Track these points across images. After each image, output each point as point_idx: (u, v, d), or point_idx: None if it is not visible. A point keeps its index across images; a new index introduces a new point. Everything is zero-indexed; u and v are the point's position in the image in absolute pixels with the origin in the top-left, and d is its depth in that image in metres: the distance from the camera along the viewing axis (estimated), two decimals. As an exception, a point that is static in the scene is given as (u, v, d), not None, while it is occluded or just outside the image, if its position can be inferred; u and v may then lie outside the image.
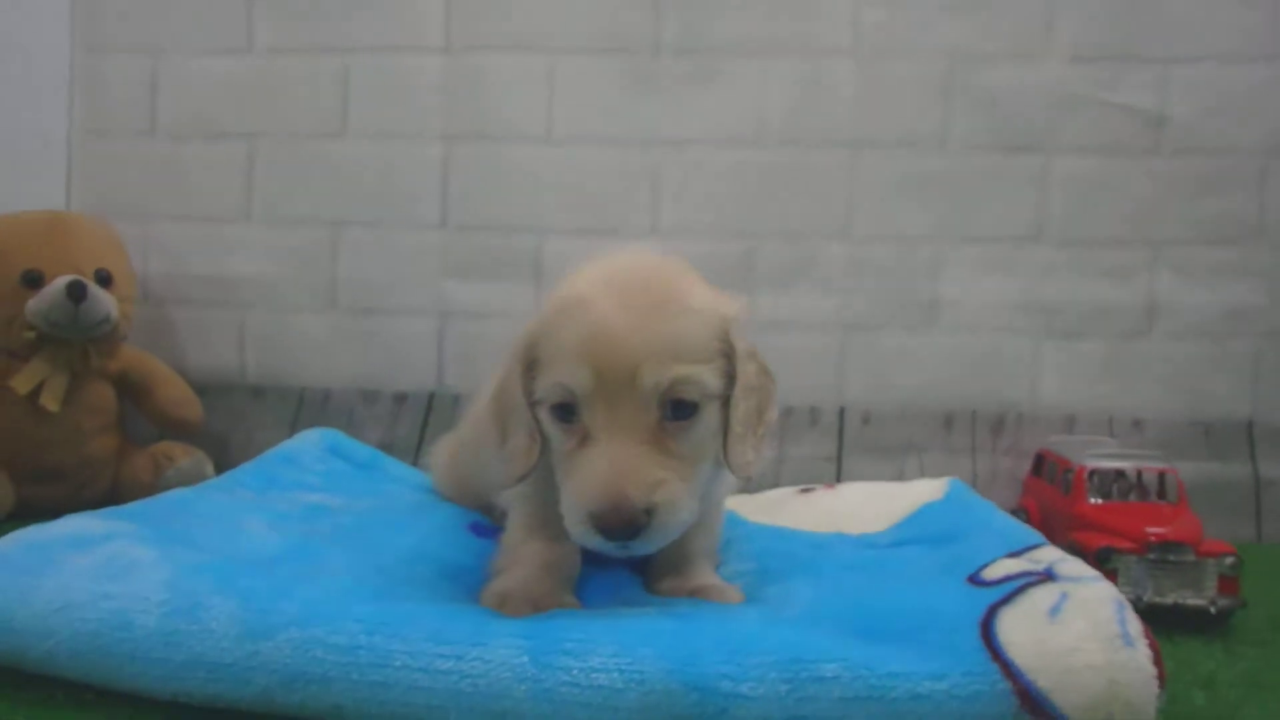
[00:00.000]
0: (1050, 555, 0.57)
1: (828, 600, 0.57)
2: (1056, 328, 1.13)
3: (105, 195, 1.18)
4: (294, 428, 1.13)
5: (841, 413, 1.15)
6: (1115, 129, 1.11)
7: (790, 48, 1.13)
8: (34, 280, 0.99)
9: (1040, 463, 1.03)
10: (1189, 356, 1.12)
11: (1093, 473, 0.88)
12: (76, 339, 0.99)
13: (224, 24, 1.17)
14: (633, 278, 0.57)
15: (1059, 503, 0.91)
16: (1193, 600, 0.73)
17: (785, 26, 1.13)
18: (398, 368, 1.18)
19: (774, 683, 0.45)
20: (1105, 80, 1.11)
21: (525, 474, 0.59)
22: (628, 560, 0.66)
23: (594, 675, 0.46)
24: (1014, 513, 0.89)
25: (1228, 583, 0.74)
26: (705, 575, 0.65)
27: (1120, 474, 0.90)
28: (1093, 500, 0.86)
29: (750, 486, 0.98)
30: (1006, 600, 0.50)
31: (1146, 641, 0.46)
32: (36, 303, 0.97)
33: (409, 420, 1.18)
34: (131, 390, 1.08)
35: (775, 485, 1.02)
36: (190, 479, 0.99)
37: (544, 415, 0.57)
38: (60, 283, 0.97)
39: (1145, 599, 0.73)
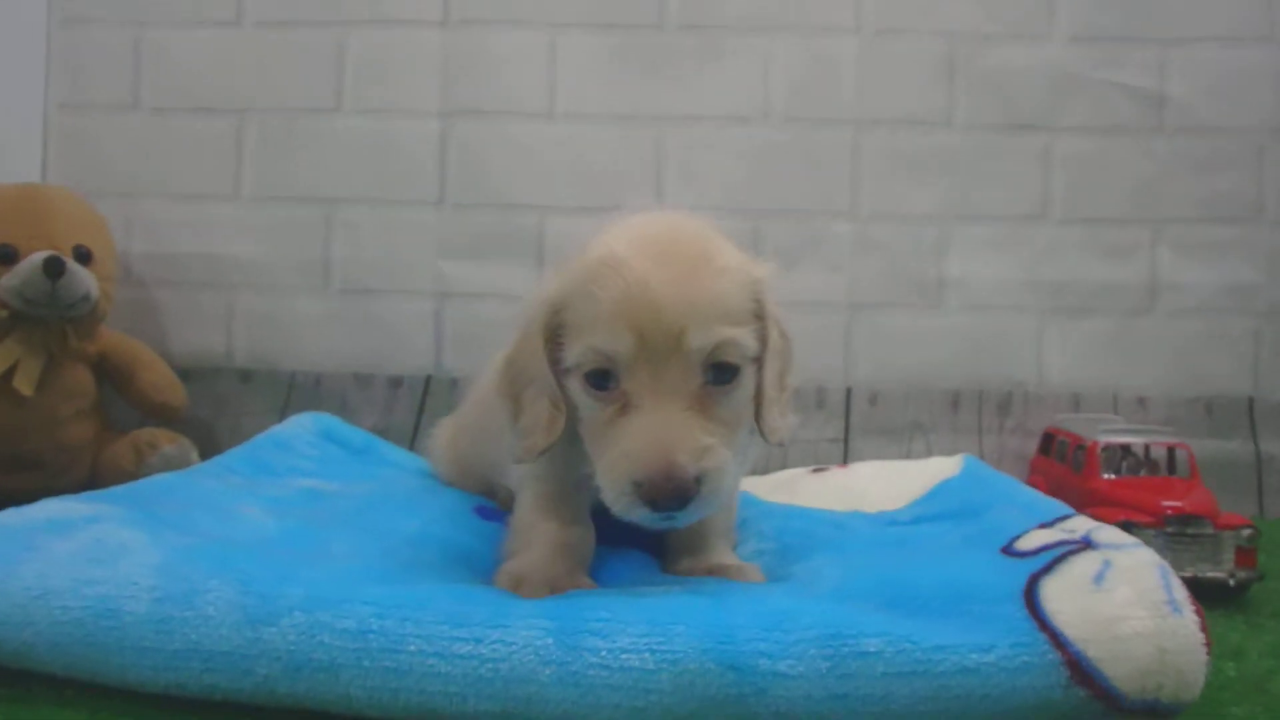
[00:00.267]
0: (1085, 524, 0.56)
1: (857, 577, 0.55)
2: (1061, 306, 1.14)
3: (85, 172, 1.14)
4: (284, 413, 1.10)
5: (848, 393, 1.14)
6: (1116, 109, 1.12)
7: (794, 25, 1.13)
8: (7, 256, 0.94)
9: (1049, 441, 1.02)
10: (1190, 334, 1.13)
11: (1105, 448, 0.87)
12: (53, 319, 0.94)
13: (211, -4, 1.14)
14: (665, 237, 0.54)
15: (1071, 480, 0.91)
16: (1212, 573, 0.73)
17: (789, 4, 1.13)
18: (393, 350, 1.15)
19: (814, 659, 0.43)
20: (1106, 60, 1.12)
21: (547, 448, 0.56)
22: (645, 539, 0.63)
23: (624, 656, 0.43)
24: (1025, 491, 0.88)
25: (1245, 555, 0.74)
26: (723, 554, 0.63)
27: (1128, 450, 0.89)
28: (1106, 476, 0.86)
29: (760, 466, 0.96)
30: (1047, 570, 0.49)
31: (1193, 608, 0.45)
32: (10, 279, 0.92)
33: (405, 405, 1.15)
34: (112, 374, 1.04)
35: (783, 467, 1.01)
36: (174, 467, 0.94)
37: (575, 384, 0.54)
38: (37, 258, 0.92)
39: (1165, 573, 0.72)
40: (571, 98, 1.13)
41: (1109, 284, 1.13)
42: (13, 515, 0.57)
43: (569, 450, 0.57)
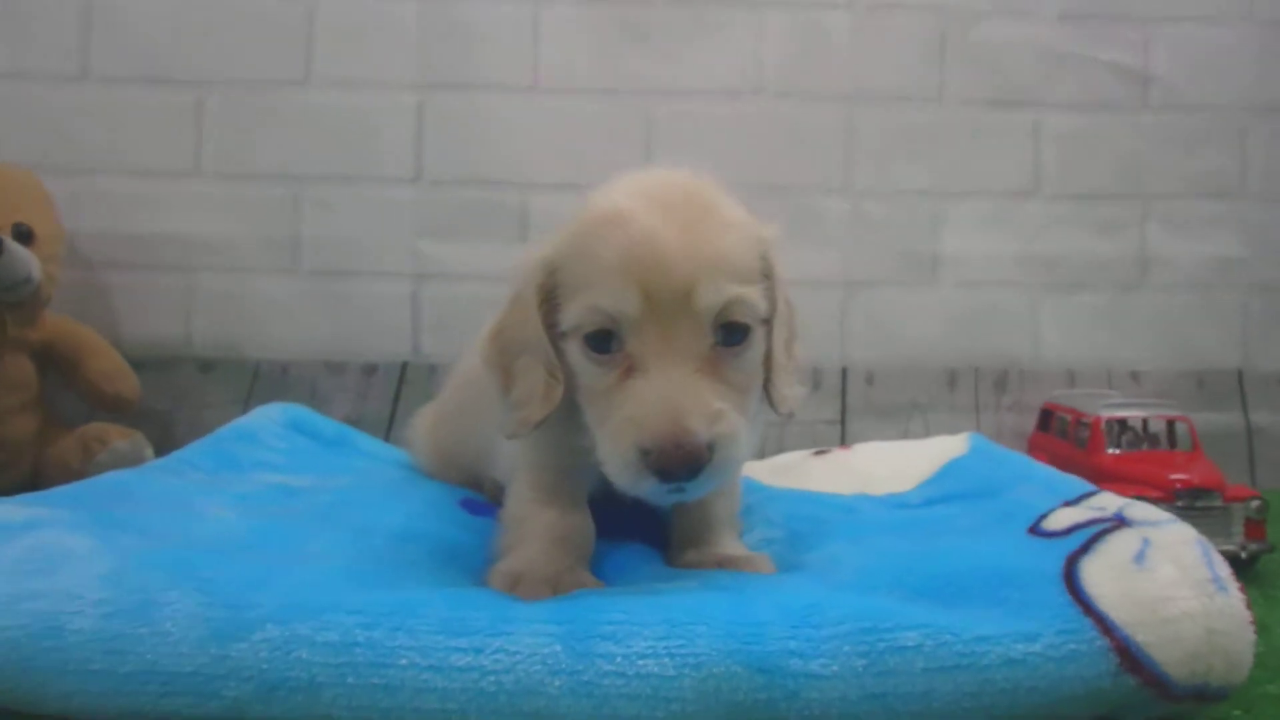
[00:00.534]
0: (1114, 501, 0.54)
1: (878, 565, 0.51)
2: (1054, 281, 1.14)
3: (26, 145, 1.05)
4: (248, 405, 1.04)
5: (844, 373, 1.12)
6: (1103, 86, 1.14)
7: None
8: (-65, 237, 0.86)
9: (1048, 418, 1.00)
10: (1181, 308, 1.14)
11: (1109, 423, 0.86)
12: (-11, 304, 0.87)
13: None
14: (670, 192, 0.50)
15: (1075, 456, 0.89)
16: (1223, 546, 0.71)
17: (780, -23, 1.10)
18: (368, 336, 1.09)
19: (849, 657, 0.40)
20: (1093, 38, 1.13)
21: (542, 420, 0.51)
22: (645, 531, 0.59)
23: (641, 662, 0.39)
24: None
25: (1254, 527, 0.73)
26: (731, 544, 0.59)
27: (1125, 424, 0.88)
28: (1111, 451, 0.84)
29: (757, 450, 0.93)
30: (1084, 550, 0.46)
31: (1237, 585, 0.43)
32: (-61, 262, 0.84)
33: (379, 393, 1.09)
34: (56, 363, 0.97)
35: (779, 450, 0.98)
36: (126, 463, 0.87)
37: (573, 347, 0.50)
38: (-32, 238, 0.84)
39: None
40: (556, 70, 1.09)
41: (1100, 259, 1.13)
42: (-62, 522, 0.50)
43: (563, 428, 0.52)
